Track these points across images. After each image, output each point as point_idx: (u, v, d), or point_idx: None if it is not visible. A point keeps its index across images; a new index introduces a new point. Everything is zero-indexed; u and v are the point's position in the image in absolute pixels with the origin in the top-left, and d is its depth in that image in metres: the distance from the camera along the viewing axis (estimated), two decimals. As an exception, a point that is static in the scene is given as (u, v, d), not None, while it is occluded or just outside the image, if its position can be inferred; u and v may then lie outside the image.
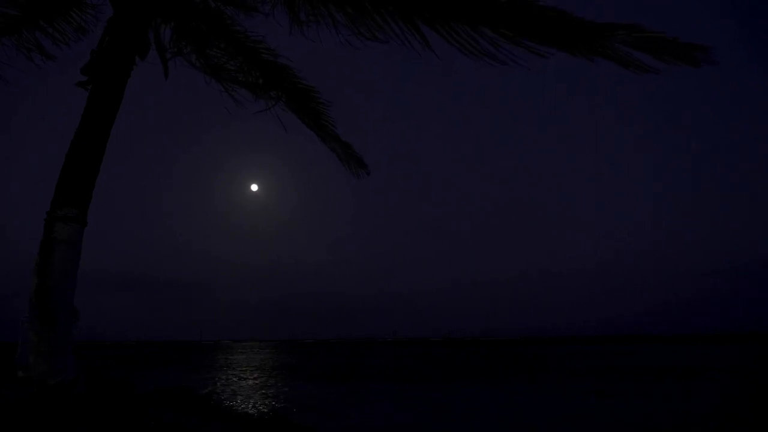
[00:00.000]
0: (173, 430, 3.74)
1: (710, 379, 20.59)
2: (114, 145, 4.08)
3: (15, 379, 3.52)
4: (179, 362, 39.81)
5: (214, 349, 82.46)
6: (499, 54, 3.61)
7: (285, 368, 31.45)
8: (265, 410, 12.84)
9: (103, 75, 4.11)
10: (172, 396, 5.29)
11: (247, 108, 5.20)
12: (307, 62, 5.16)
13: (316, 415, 12.05)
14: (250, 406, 13.69)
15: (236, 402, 14.39)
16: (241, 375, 25.66)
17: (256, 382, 21.68)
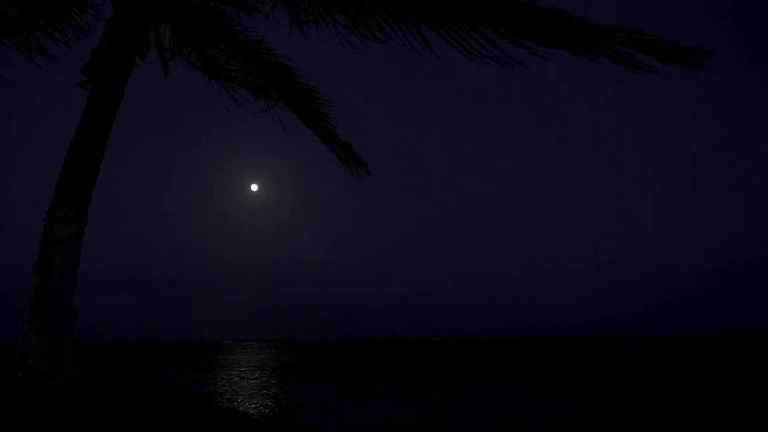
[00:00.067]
0: (173, 430, 3.74)
1: (710, 379, 20.59)
2: (114, 145, 4.09)
3: (15, 379, 3.52)
4: (179, 362, 39.83)
5: (214, 349, 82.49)
6: (499, 55, 3.61)
7: (285, 368, 31.46)
8: (265, 410, 12.85)
9: (103, 75, 4.11)
10: (172, 396, 5.29)
11: (247, 108, 5.20)
12: (307, 62, 5.16)
13: (316, 415, 12.05)
14: (250, 406, 13.69)
15: (236, 402, 14.40)
16: (242, 375, 25.67)
17: (257, 382, 21.69)
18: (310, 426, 7.52)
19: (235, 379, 23.39)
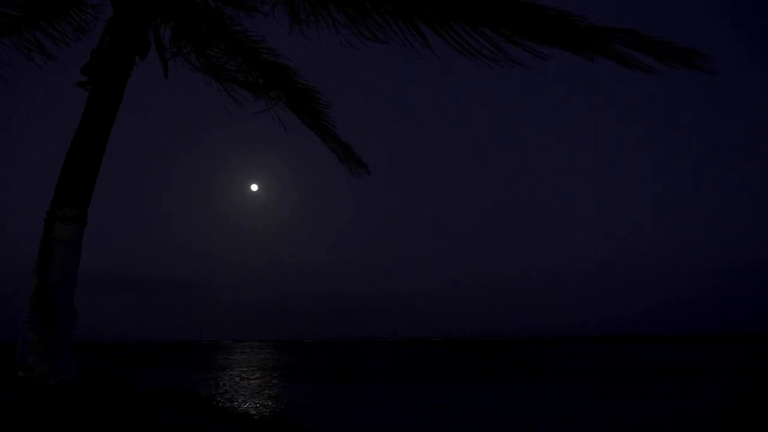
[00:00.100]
0: (173, 430, 3.74)
1: (710, 379, 20.60)
2: (114, 145, 4.09)
3: (15, 379, 3.52)
4: (179, 362, 39.82)
5: (214, 349, 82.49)
6: (499, 55, 3.62)
7: (285, 368, 31.46)
8: (265, 410, 12.85)
9: (103, 75, 4.11)
10: (172, 396, 5.29)
11: (247, 108, 5.20)
12: (307, 62, 5.16)
13: (316, 415, 12.05)
14: (250, 406, 13.69)
15: (236, 402, 14.40)
16: (242, 375, 25.67)
17: (257, 382, 21.69)
18: (310, 426, 7.51)
19: (235, 379, 23.39)
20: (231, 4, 4.67)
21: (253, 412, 11.40)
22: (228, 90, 5.15)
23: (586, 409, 12.97)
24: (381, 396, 15.92)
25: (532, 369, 29.09)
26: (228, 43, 4.94)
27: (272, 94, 5.19)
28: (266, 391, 17.64)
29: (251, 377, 24.14)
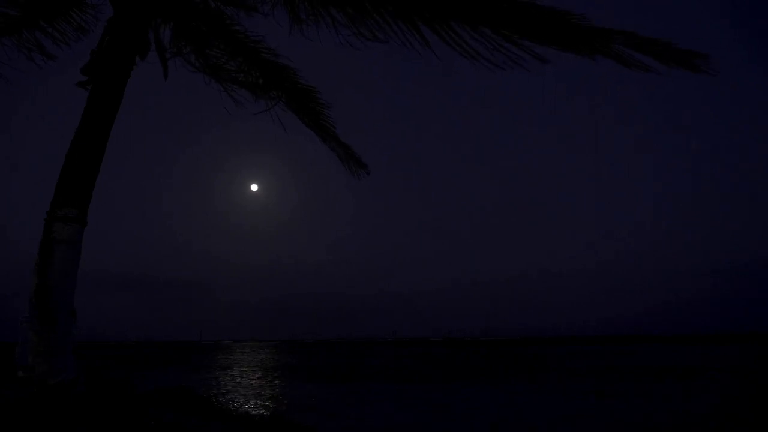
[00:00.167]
0: (173, 430, 3.74)
1: (710, 379, 20.60)
2: (114, 145, 4.09)
3: (15, 379, 3.52)
4: (179, 362, 39.83)
5: (214, 349, 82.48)
6: (499, 56, 3.62)
7: (285, 368, 31.46)
8: (265, 410, 12.84)
9: (103, 75, 4.10)
10: (172, 396, 5.29)
11: (247, 108, 5.19)
12: (307, 62, 5.16)
13: (316, 415, 12.05)
14: (250, 406, 13.69)
15: (236, 402, 14.39)
16: (242, 375, 25.67)
17: (256, 382, 21.68)
18: (310, 426, 7.51)
19: (236, 379, 23.40)
20: (231, 4, 4.67)
21: (253, 412, 11.39)
22: (228, 90, 5.14)
23: (586, 409, 12.97)
24: (381, 396, 15.92)
25: (532, 369, 29.09)
26: (228, 43, 4.94)
27: (272, 94, 5.19)
28: (266, 391, 17.64)
29: (251, 377, 24.14)
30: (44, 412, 3.26)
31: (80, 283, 3.75)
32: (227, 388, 18.66)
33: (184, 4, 4.70)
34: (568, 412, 12.44)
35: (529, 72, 3.59)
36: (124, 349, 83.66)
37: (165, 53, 4.76)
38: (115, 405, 3.82)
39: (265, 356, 51.56)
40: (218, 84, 5.11)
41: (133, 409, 3.94)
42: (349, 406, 13.67)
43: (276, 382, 21.64)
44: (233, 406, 12.90)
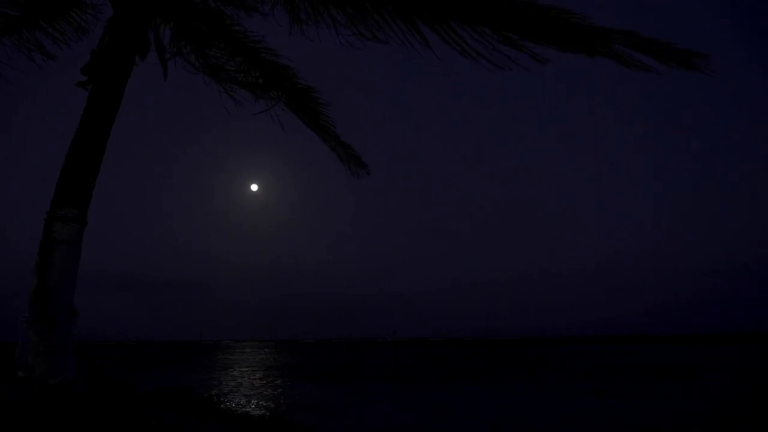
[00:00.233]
0: (173, 430, 3.74)
1: (710, 379, 20.59)
2: (114, 145, 4.09)
3: (15, 379, 3.52)
4: (179, 362, 39.82)
5: (214, 349, 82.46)
6: (499, 56, 3.62)
7: (285, 368, 31.45)
8: (265, 410, 12.84)
9: (103, 75, 4.10)
10: (172, 396, 5.28)
11: (247, 108, 5.19)
12: (307, 62, 5.16)
13: (316, 415, 12.05)
14: (250, 406, 13.69)
15: (236, 402, 14.39)
16: (242, 375, 25.67)
17: (257, 382, 21.68)
18: (310, 426, 7.51)
19: (236, 379, 23.39)
20: (231, 4, 4.67)
21: (253, 412, 11.39)
22: (228, 90, 5.14)
23: (586, 409, 12.97)
24: (381, 396, 15.91)
25: (532, 369, 29.08)
26: (228, 43, 4.94)
27: (272, 94, 5.19)
28: (266, 391, 17.64)
29: (251, 377, 24.14)
30: (44, 412, 3.26)
31: (80, 283, 3.75)
32: (227, 388, 18.66)
33: (184, 4, 4.70)
34: (568, 412, 12.44)
35: (529, 72, 3.60)
36: (124, 349, 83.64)
37: (165, 53, 4.76)
38: (115, 405, 3.82)
39: (265, 356, 51.56)
40: (218, 84, 5.11)
41: (133, 409, 3.94)
42: (349, 406, 13.67)
43: (276, 382, 21.64)
44: (233, 406, 12.90)
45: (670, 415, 11.92)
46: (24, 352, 3.49)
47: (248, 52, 4.98)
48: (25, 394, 3.42)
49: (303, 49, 4.57)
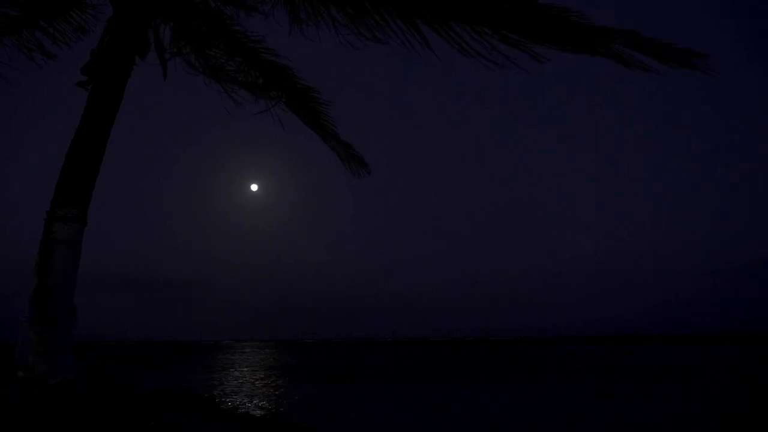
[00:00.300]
0: (173, 430, 3.74)
1: (710, 379, 20.59)
2: (114, 145, 4.09)
3: (15, 379, 3.52)
4: (179, 362, 39.82)
5: (214, 349, 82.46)
6: (499, 56, 3.62)
7: (285, 368, 31.45)
8: (265, 410, 12.84)
9: (103, 75, 4.10)
10: (172, 396, 5.29)
11: (247, 108, 5.19)
12: (307, 62, 5.16)
13: (316, 415, 12.04)
14: (250, 406, 13.69)
15: (236, 402, 14.39)
16: (242, 375, 25.67)
17: (256, 382, 21.68)
18: (310, 426, 7.51)
19: (236, 379, 23.39)
20: (231, 4, 4.67)
21: (253, 412, 11.39)
22: (228, 90, 5.14)
23: (586, 409, 12.96)
24: (381, 396, 15.91)
25: (532, 369, 29.08)
26: (228, 43, 4.94)
27: (272, 94, 5.19)
28: (266, 391, 17.64)
29: (251, 377, 24.14)
30: (44, 412, 3.26)
31: (80, 283, 3.75)
32: (227, 388, 18.66)
33: (184, 4, 4.70)
34: (568, 412, 12.44)
35: (529, 72, 3.60)
36: (124, 349, 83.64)
37: (165, 53, 4.76)
38: (115, 405, 3.82)
39: (265, 356, 51.55)
40: (218, 84, 5.11)
41: (133, 409, 3.94)
42: (349, 406, 13.66)
43: (276, 382, 21.64)
44: (233, 406, 12.90)
45: (670, 415, 11.92)
46: (24, 352, 3.49)
47: (248, 52, 4.98)
48: (25, 394, 3.42)
49: (303, 49, 4.58)
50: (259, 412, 12.23)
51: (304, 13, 4.22)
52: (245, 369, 30.52)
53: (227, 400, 14.70)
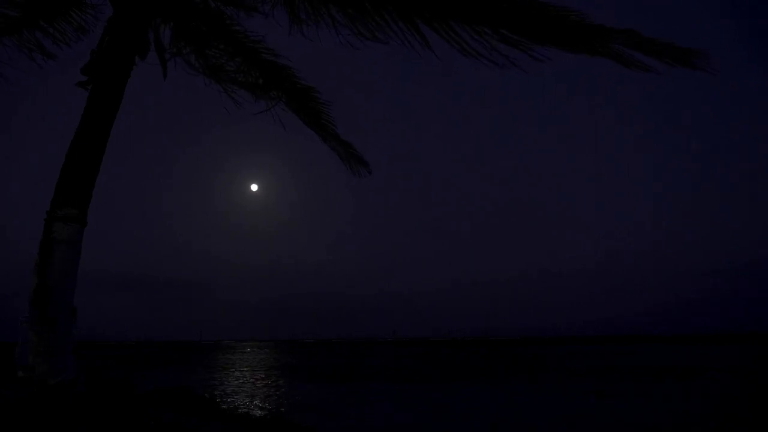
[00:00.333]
0: (173, 430, 3.74)
1: (710, 379, 20.59)
2: (114, 145, 4.09)
3: (15, 379, 3.52)
4: (179, 362, 39.83)
5: (214, 349, 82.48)
6: (499, 55, 3.62)
7: (285, 368, 31.46)
8: (265, 410, 12.85)
9: (103, 75, 4.11)
10: (172, 396, 5.29)
11: (247, 108, 5.20)
12: (307, 62, 5.16)
13: (316, 415, 12.05)
14: (250, 406, 13.69)
15: (236, 402, 14.39)
16: (242, 375, 25.67)
17: (257, 382, 21.69)
18: (310, 426, 7.52)
19: (236, 379, 23.40)
20: (231, 4, 4.67)
21: (254, 412, 11.40)
22: (228, 91, 5.15)
23: (586, 409, 12.97)
24: (381, 396, 15.92)
25: (532, 369, 29.09)
26: (228, 44, 4.94)
27: (272, 94, 5.19)
28: (266, 391, 17.64)
29: (251, 377, 24.14)
30: (44, 412, 3.26)
31: (80, 283, 3.76)
32: (228, 389, 18.67)
33: (184, 4, 4.71)
34: (568, 412, 12.44)
35: (529, 72, 3.60)
36: (124, 349, 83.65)
37: (165, 53, 4.76)
38: (115, 405, 3.82)
39: (265, 356, 51.57)
40: (218, 84, 5.12)
41: (133, 409, 3.95)
42: (349, 406, 13.67)
43: (276, 382, 21.64)
44: (234, 406, 12.90)
45: (670, 415, 11.92)
46: (24, 352, 3.49)
47: (248, 53, 4.98)
48: (25, 394, 3.42)
49: (303, 49, 4.58)
50: (259, 412, 12.24)
51: (304, 13, 4.23)
52: (245, 369, 30.53)
53: (227, 400, 14.70)
